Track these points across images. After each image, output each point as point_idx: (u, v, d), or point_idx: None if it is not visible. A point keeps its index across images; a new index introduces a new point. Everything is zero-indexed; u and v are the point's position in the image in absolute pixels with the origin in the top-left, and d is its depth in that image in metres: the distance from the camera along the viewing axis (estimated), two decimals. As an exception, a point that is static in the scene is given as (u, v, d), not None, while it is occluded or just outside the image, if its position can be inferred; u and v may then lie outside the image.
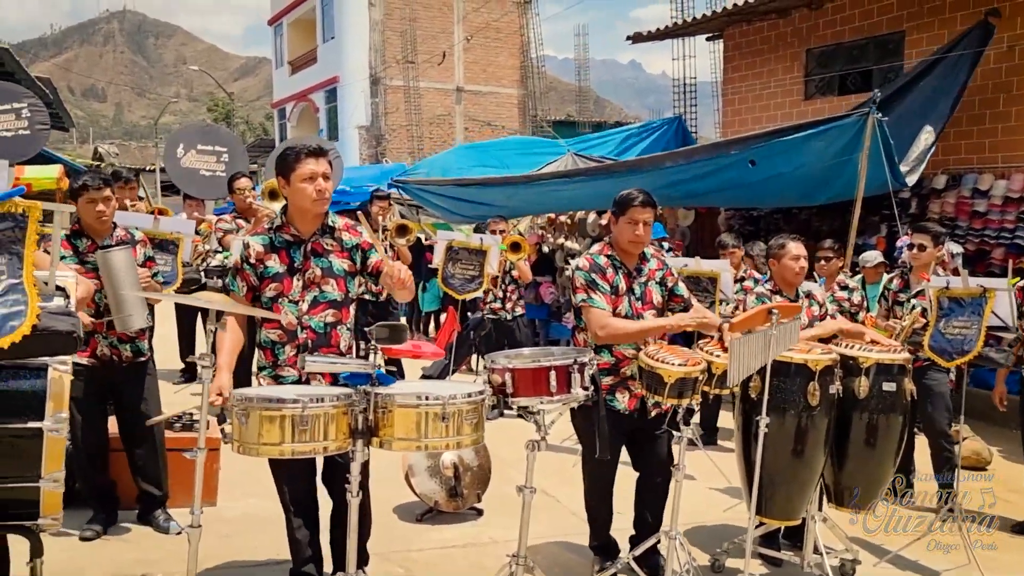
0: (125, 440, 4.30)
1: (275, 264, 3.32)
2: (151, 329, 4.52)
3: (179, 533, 4.21)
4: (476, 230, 8.85)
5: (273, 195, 6.23)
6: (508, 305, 6.99)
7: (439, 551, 4.33)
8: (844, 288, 5.64)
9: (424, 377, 6.88)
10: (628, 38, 13.83)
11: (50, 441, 2.29)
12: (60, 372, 2.30)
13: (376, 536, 3.65)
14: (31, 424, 2.26)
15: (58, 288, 2.21)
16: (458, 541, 4.45)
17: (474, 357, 7.68)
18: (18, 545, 2.62)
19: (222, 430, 4.79)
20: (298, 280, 3.32)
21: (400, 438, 2.88)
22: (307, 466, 3.43)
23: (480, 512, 4.82)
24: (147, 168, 21.99)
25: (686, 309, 3.89)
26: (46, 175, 7.67)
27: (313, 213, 3.32)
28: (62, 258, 2.37)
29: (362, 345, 3.38)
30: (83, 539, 4.09)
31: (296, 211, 3.37)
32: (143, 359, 4.29)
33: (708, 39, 14.17)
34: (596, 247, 3.92)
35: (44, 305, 2.13)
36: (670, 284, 3.88)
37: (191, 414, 4.89)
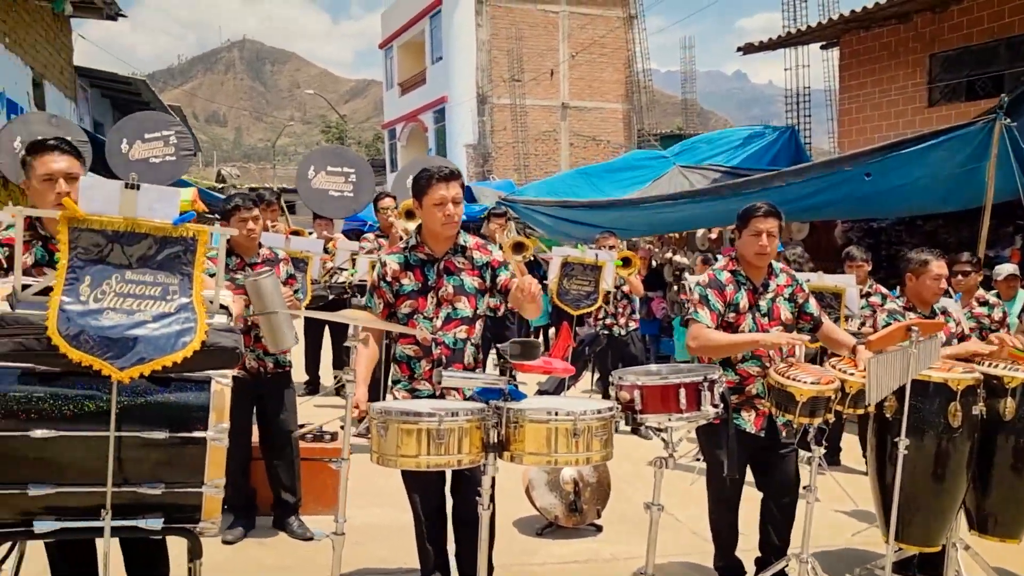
0: (266, 449, 4.52)
1: (410, 282, 3.46)
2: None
3: (313, 539, 4.39)
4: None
5: (410, 214, 6.47)
6: (621, 320, 6.98)
7: (560, 566, 4.35)
8: (984, 304, 5.37)
9: (540, 393, 6.93)
10: (738, 49, 13.62)
11: (213, 450, 2.44)
12: (222, 385, 2.45)
13: (498, 549, 3.71)
14: (196, 433, 2.42)
15: (221, 306, 2.37)
16: (579, 556, 4.46)
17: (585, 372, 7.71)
18: (173, 548, 2.81)
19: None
20: (432, 297, 3.44)
21: (531, 453, 2.92)
22: (438, 478, 3.53)
23: (599, 528, 4.81)
24: (264, 188, 23.04)
25: (815, 329, 3.81)
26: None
27: (444, 236, 3.44)
28: (212, 274, 2.53)
29: (492, 359, 3.47)
30: (226, 542, 4.31)
31: (428, 232, 3.50)
32: (284, 371, 4.51)
33: (822, 47, 13.80)
34: (721, 262, 3.89)
35: (210, 322, 2.29)
36: (800, 301, 3.81)
37: (322, 426, 5.12)
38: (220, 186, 28.00)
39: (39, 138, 3.00)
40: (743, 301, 3.70)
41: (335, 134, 51.49)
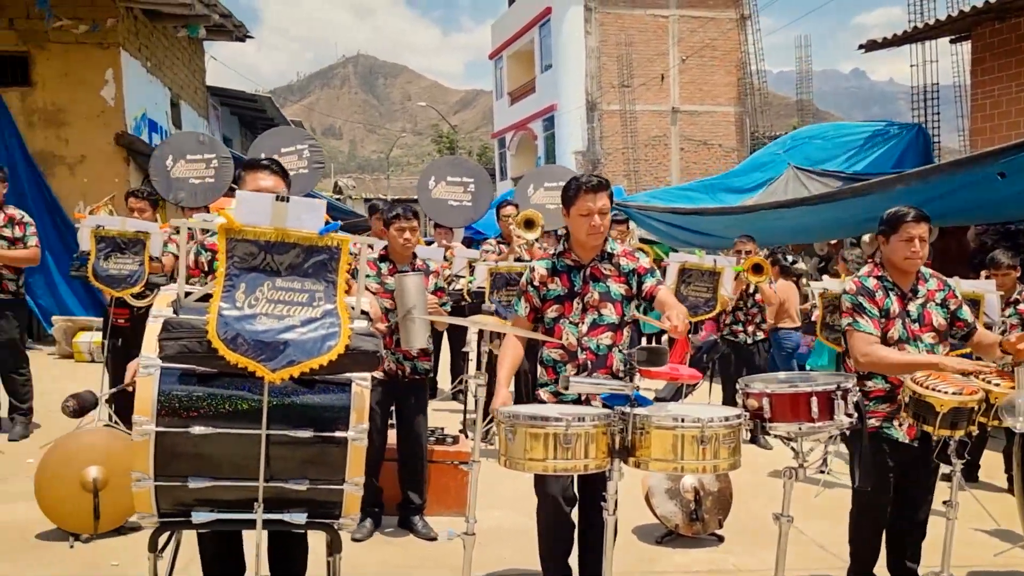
0: (398, 451, 4.68)
1: (557, 287, 3.52)
2: (435, 353, 4.89)
3: (437, 539, 4.51)
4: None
5: (529, 224, 6.57)
6: (749, 328, 6.84)
7: (682, 575, 4.30)
8: None
9: (657, 400, 6.87)
10: (860, 47, 13.12)
11: (353, 449, 2.56)
12: (362, 387, 2.57)
13: (617, 556, 3.69)
14: (338, 433, 2.55)
15: (362, 312, 2.48)
16: (700, 567, 4.40)
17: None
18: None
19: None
20: (578, 303, 3.49)
21: (656, 459, 2.91)
22: (567, 484, 3.56)
23: (720, 539, 4.74)
24: (378, 198, 23.78)
25: (968, 336, 3.66)
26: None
27: (589, 245, 3.49)
28: (367, 276, 2.65)
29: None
30: (355, 539, 4.48)
31: (575, 240, 3.56)
32: (421, 378, 4.66)
33: (952, 41, 13.12)
34: (865, 269, 3.79)
35: (353, 327, 2.41)
36: (953, 307, 3.68)
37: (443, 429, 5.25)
38: (337, 197, 29.05)
39: (255, 158, 3.24)
40: (893, 306, 3.61)
41: (446, 144, 52.58)
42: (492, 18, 35.16)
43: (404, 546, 4.49)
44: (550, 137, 28.49)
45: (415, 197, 10.99)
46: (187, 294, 2.41)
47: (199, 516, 2.59)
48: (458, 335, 8.33)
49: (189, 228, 2.59)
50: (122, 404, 6.11)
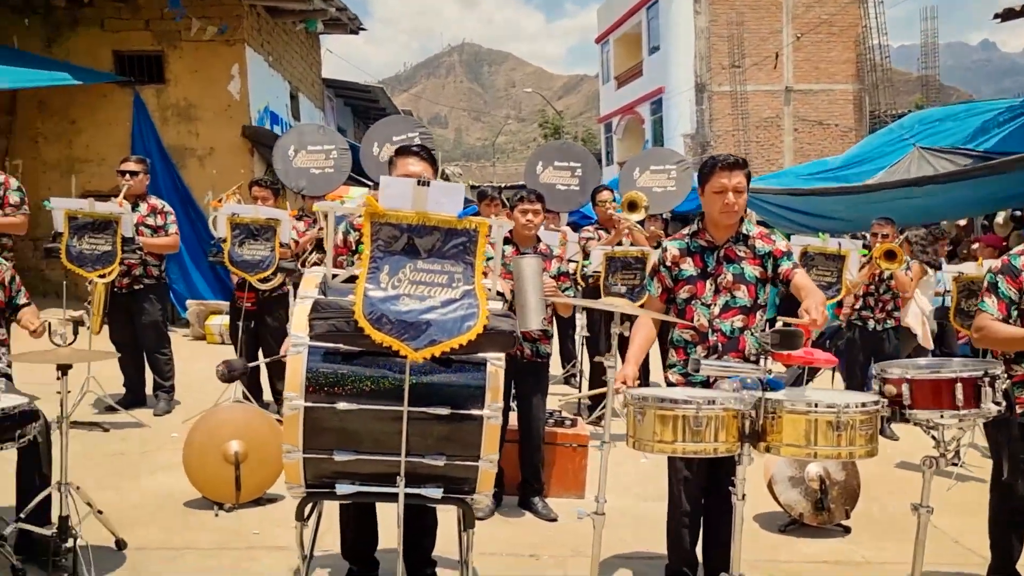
0: (520, 432, 4.75)
1: (689, 268, 3.51)
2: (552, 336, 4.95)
3: (556, 520, 4.56)
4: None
5: (632, 206, 6.52)
6: (879, 314, 6.58)
7: (808, 565, 4.21)
8: None
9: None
10: (995, 16, 12.34)
11: (488, 427, 2.64)
12: (496, 367, 2.64)
13: (742, 544, 3.66)
14: (474, 411, 2.63)
15: (497, 293, 2.55)
16: (827, 557, 4.30)
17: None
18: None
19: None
20: (711, 284, 3.47)
21: (788, 444, 2.87)
22: (699, 469, 3.54)
23: (847, 529, 4.60)
24: (486, 184, 24.07)
25: None
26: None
27: (723, 224, 3.46)
28: (489, 259, 2.71)
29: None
30: (476, 518, 4.58)
31: (708, 219, 3.54)
32: (542, 360, 4.72)
33: (1100, 7, 12.15)
34: (1020, 247, 3.60)
35: (489, 307, 2.47)
36: None
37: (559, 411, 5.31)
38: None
39: (405, 144, 3.41)
40: None
41: (551, 129, 52.56)
42: (596, 2, 34.85)
43: (524, 526, 4.56)
44: (658, 121, 28.07)
45: (521, 183, 11.05)
46: (334, 275, 2.52)
47: (343, 488, 2.72)
48: (567, 320, 8.35)
49: (335, 214, 2.70)
50: (253, 381, 6.46)
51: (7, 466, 3.69)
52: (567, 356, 8.65)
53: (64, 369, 3.47)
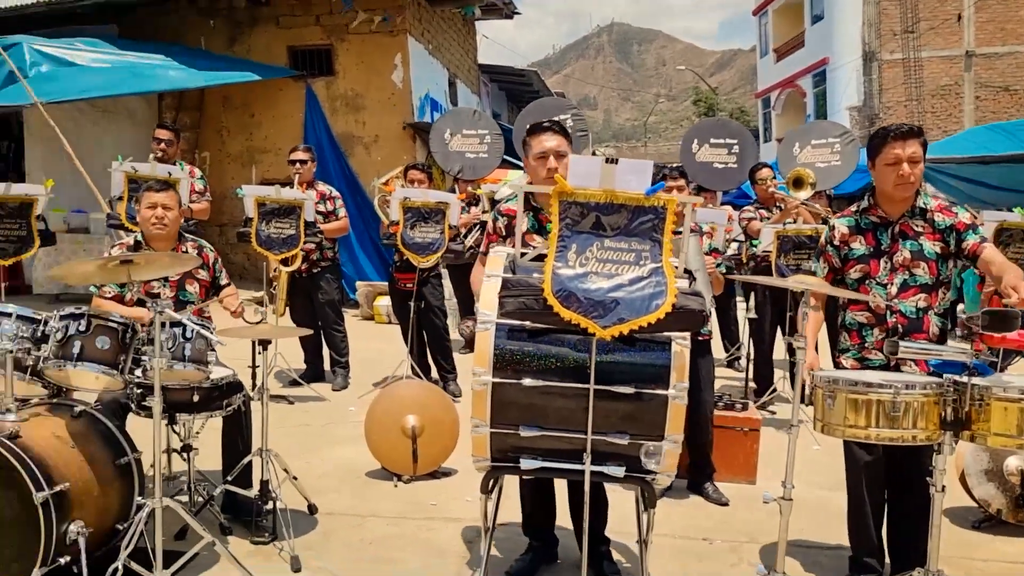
0: (688, 413, 4.68)
1: (860, 246, 3.33)
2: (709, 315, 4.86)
3: (728, 504, 4.48)
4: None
5: (798, 183, 6.25)
6: None
7: (1007, 565, 3.91)
8: None
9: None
10: None
11: (674, 407, 2.61)
12: (681, 346, 2.61)
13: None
14: (659, 391, 2.61)
15: (686, 271, 2.51)
16: (1030, 558, 3.98)
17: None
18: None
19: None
20: (885, 262, 3.28)
21: (997, 434, 2.68)
22: (881, 457, 3.37)
23: (1052, 529, 4.24)
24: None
25: None
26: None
27: (898, 197, 3.26)
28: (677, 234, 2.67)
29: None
30: (646, 498, 4.56)
31: (881, 193, 3.34)
32: (705, 339, 4.64)
33: None
34: None
35: (678, 285, 2.44)
36: None
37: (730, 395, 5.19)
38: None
39: (536, 123, 3.43)
40: None
41: (705, 106, 51.14)
42: (753, -28, 33.41)
43: (695, 509, 4.50)
44: (820, 94, 26.68)
45: (673, 163, 10.80)
46: (522, 254, 2.57)
47: (527, 463, 2.78)
48: (727, 301, 8.12)
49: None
50: (421, 359, 6.70)
51: (213, 434, 4.01)
52: (731, 339, 8.42)
53: (264, 344, 3.73)
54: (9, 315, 3.25)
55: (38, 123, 9.49)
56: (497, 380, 2.65)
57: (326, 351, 7.01)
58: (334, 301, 6.86)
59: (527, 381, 2.63)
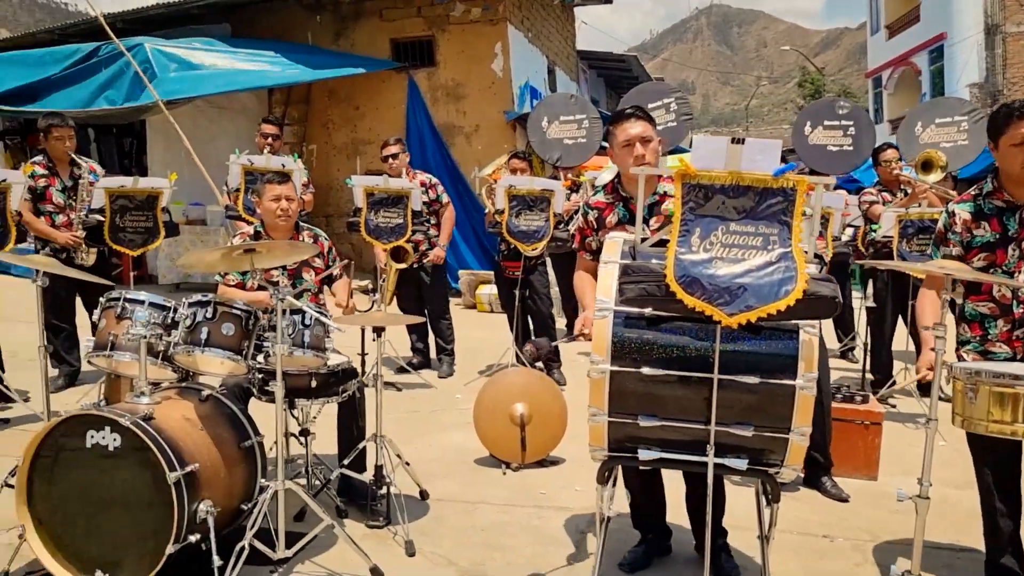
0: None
1: (985, 233, 3.12)
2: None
3: (847, 501, 4.29)
4: None
5: (927, 166, 5.93)
6: None
7: None
8: None
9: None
10: None
11: (801, 398, 2.49)
12: (810, 335, 2.49)
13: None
14: (785, 381, 2.50)
15: (815, 255, 2.39)
16: None
17: None
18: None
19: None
20: (1013, 250, 3.06)
21: None
22: (1014, 450, 3.15)
23: None
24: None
25: None
26: (670, 165, 8.64)
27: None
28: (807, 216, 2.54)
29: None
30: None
31: (1006, 176, 3.11)
32: None
33: None
34: None
35: (808, 271, 2.33)
36: None
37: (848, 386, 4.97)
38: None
39: (619, 109, 3.35)
40: None
41: (810, 88, 49.29)
42: (865, -55, 31.92)
43: (813, 504, 4.33)
44: (937, 71, 25.29)
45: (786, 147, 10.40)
46: (643, 239, 2.50)
47: (646, 453, 2.71)
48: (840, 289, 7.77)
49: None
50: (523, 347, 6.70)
51: (328, 419, 4.11)
52: (844, 329, 8.09)
53: (378, 332, 3.78)
54: (142, 302, 3.41)
55: (159, 120, 9.94)
56: (615, 368, 2.60)
57: (431, 339, 7.10)
58: (441, 290, 6.93)
59: (646, 370, 2.56)
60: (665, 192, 3.29)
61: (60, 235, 5.71)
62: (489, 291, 10.58)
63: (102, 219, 5.57)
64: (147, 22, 13.10)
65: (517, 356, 6.45)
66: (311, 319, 3.42)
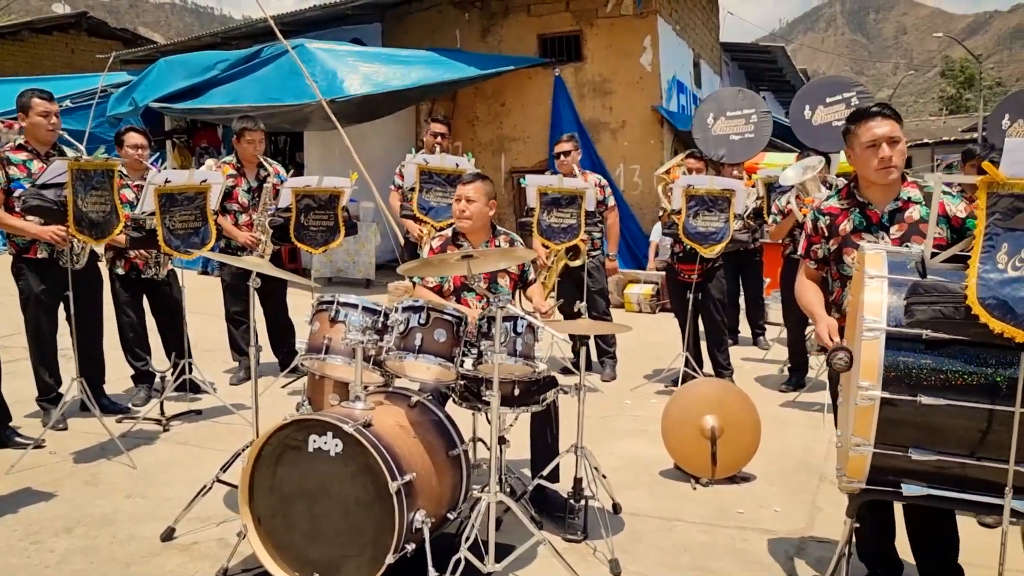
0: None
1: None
2: None
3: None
4: None
5: None
6: None
7: None
8: None
9: None
10: None
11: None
12: None
13: None
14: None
15: None
16: None
17: None
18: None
19: None
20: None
21: None
22: None
23: None
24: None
25: None
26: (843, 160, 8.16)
27: None
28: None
29: None
30: (983, 524, 4.03)
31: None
32: None
33: None
34: None
35: None
36: None
37: None
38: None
39: (862, 107, 3.09)
40: None
41: (959, 77, 46.37)
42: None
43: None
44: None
45: (921, 140, 9.66)
46: (933, 255, 2.25)
47: (911, 488, 2.46)
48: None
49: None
50: (694, 352, 6.45)
51: (518, 424, 4.01)
52: None
53: (582, 340, 3.66)
54: (355, 307, 3.40)
55: (315, 118, 10.20)
56: (887, 396, 2.36)
57: (591, 341, 6.95)
58: (604, 290, 6.78)
59: (925, 399, 2.31)
60: (909, 198, 3.01)
61: (241, 234, 5.87)
62: (638, 290, 10.35)
63: (287, 217, 5.69)
64: (303, 23, 13.54)
65: (687, 362, 6.22)
66: (523, 326, 3.32)
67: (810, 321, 6.72)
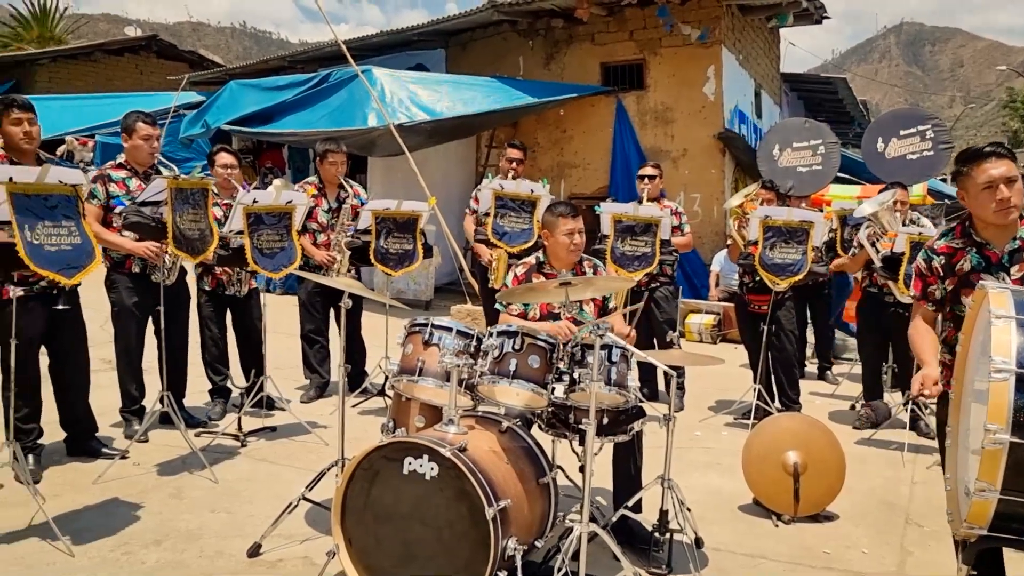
0: None
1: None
2: None
3: None
4: None
5: None
6: None
7: None
8: None
9: None
10: None
11: None
12: None
13: None
14: None
15: None
16: None
17: None
18: None
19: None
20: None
21: None
22: None
23: None
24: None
25: None
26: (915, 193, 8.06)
27: None
28: None
29: None
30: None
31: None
32: None
33: None
34: None
35: None
36: None
37: None
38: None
39: (970, 147, 3.05)
40: None
41: (1020, 110, 45.31)
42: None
43: None
44: None
45: None
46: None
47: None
48: None
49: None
50: (765, 385, 6.34)
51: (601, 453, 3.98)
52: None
53: (678, 371, 3.62)
54: (450, 330, 3.41)
55: (381, 142, 10.34)
56: (1016, 440, 2.28)
57: (659, 370, 6.87)
58: (672, 319, 6.72)
59: (1054, 444, 2.23)
60: None
61: (319, 253, 5.96)
62: (699, 320, 10.24)
63: (367, 241, 5.76)
64: (368, 48, 13.78)
65: (760, 395, 6.12)
66: (618, 355, 3.30)
67: (888, 357, 6.62)
